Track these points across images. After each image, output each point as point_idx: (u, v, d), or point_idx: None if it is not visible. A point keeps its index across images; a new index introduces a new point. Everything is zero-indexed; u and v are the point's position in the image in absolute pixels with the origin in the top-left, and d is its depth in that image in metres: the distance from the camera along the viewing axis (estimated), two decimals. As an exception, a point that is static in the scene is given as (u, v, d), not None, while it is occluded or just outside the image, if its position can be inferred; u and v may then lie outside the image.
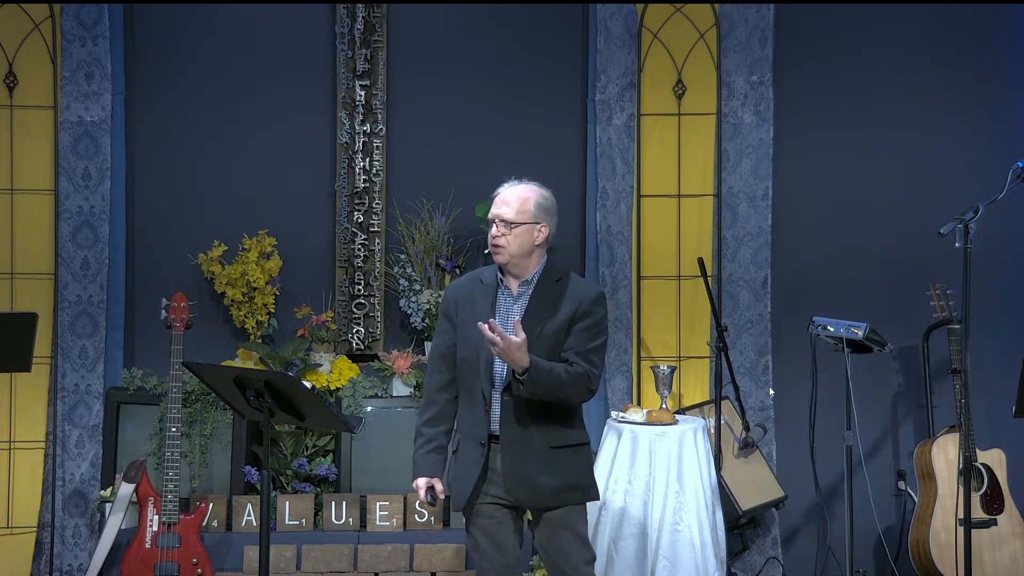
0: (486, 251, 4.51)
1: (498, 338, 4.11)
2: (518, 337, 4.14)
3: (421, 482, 4.42)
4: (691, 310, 6.44)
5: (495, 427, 4.34)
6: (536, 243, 4.39)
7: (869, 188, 6.56)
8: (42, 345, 6.12)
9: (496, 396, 4.34)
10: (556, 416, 4.35)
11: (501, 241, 4.37)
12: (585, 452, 4.44)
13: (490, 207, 4.45)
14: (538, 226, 4.40)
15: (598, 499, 4.60)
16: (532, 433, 4.31)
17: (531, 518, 4.50)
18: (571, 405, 4.39)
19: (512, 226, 4.35)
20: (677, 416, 5.84)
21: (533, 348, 4.22)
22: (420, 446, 4.46)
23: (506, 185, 4.48)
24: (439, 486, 4.42)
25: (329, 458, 6.21)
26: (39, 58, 6.34)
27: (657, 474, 5.51)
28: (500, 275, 4.43)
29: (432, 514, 6.10)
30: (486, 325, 4.15)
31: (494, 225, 4.38)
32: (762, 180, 6.44)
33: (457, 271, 6.43)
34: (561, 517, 4.39)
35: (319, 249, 6.58)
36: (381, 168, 6.56)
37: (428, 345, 6.38)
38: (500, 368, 4.33)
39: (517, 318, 4.27)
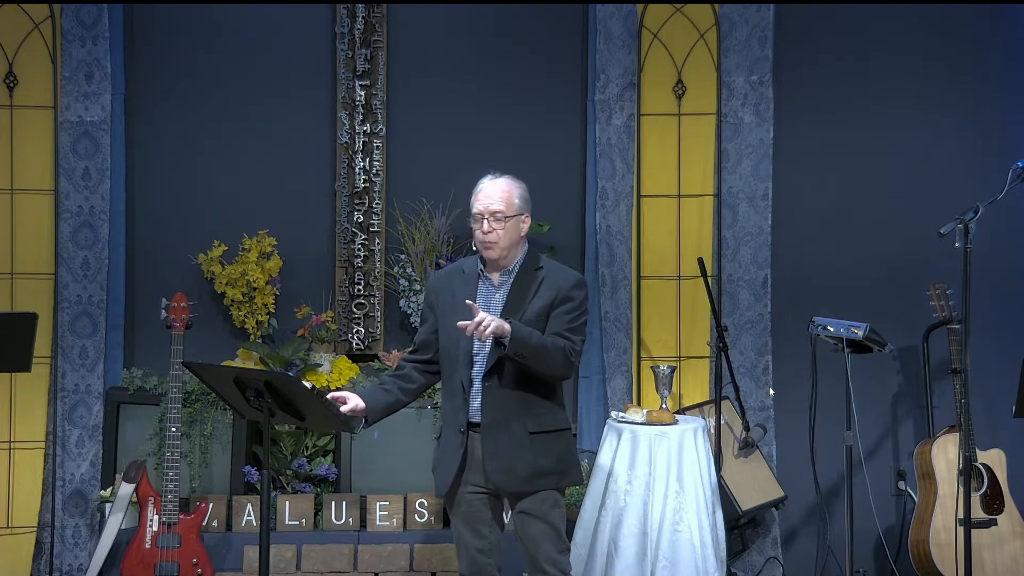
0: (474, 248, 4.53)
1: (478, 316, 4.20)
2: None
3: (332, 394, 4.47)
4: (691, 310, 6.45)
5: (474, 415, 4.43)
6: (521, 234, 4.50)
7: (869, 188, 6.56)
8: (42, 345, 6.13)
9: (476, 385, 4.42)
10: (536, 403, 4.43)
11: (493, 236, 4.43)
12: (565, 437, 4.52)
13: (476, 203, 4.50)
14: (522, 217, 4.51)
15: (580, 483, 4.67)
16: (511, 419, 4.40)
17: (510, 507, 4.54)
18: (554, 380, 4.45)
19: (505, 219, 4.40)
20: (677, 416, 5.84)
21: None
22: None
23: (486, 180, 4.54)
24: (352, 403, 4.42)
25: (329, 458, 6.21)
26: (39, 58, 6.35)
27: (657, 474, 5.51)
28: (481, 266, 4.48)
29: (432, 514, 6.10)
30: (470, 302, 4.25)
31: (484, 221, 4.42)
32: (762, 180, 6.45)
33: (457, 271, 6.43)
34: (534, 507, 4.45)
35: (319, 249, 6.58)
36: (381, 168, 6.56)
37: (428, 345, 6.40)
38: (480, 356, 4.41)
39: (469, 300, 4.34)
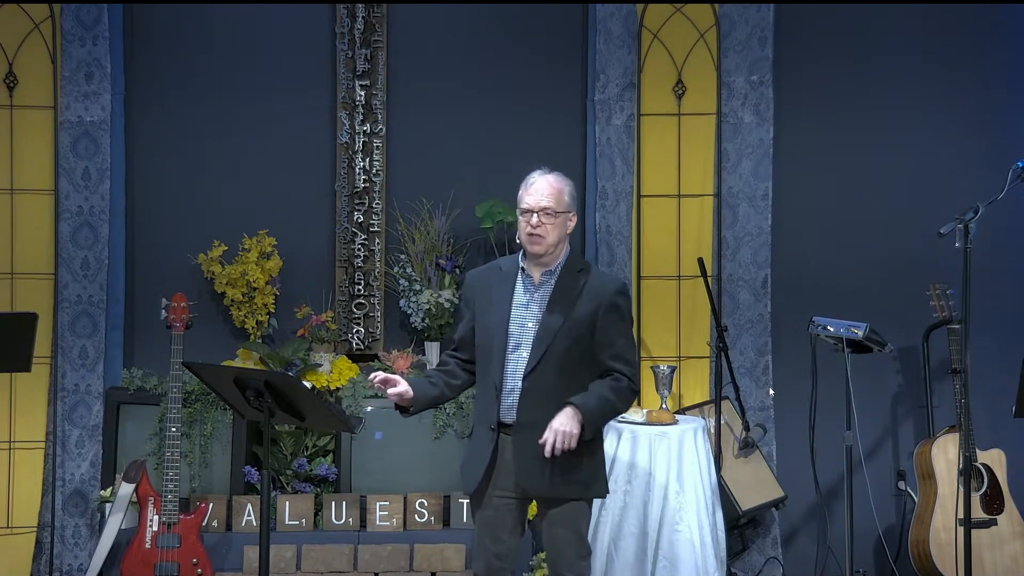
0: (518, 240, 4.50)
1: (553, 439, 4.25)
2: (557, 429, 4.27)
3: (375, 374, 4.44)
4: (691, 310, 6.45)
5: (506, 415, 4.38)
6: (567, 232, 4.47)
7: (869, 188, 6.56)
8: (42, 345, 6.13)
9: (510, 383, 4.37)
10: (560, 404, 4.37)
11: (542, 231, 4.38)
12: (595, 447, 4.46)
13: (526, 197, 4.44)
14: (570, 215, 4.47)
15: (604, 496, 4.62)
16: (545, 423, 4.32)
17: (534, 512, 4.52)
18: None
19: (556, 215, 4.37)
20: (677, 416, 5.84)
21: (556, 339, 4.32)
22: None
23: (536, 175, 4.48)
24: (402, 388, 4.41)
25: (329, 458, 6.21)
26: (39, 58, 6.35)
27: (657, 474, 5.51)
28: (523, 263, 4.44)
29: (432, 514, 6.10)
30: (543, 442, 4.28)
31: (534, 215, 4.38)
32: (762, 180, 6.45)
33: (457, 271, 6.43)
34: (562, 514, 4.42)
35: (319, 249, 6.58)
36: (381, 168, 6.56)
37: (428, 345, 6.40)
38: (516, 355, 4.36)
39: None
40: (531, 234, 4.40)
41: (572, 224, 4.48)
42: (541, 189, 4.44)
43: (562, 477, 4.37)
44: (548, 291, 4.41)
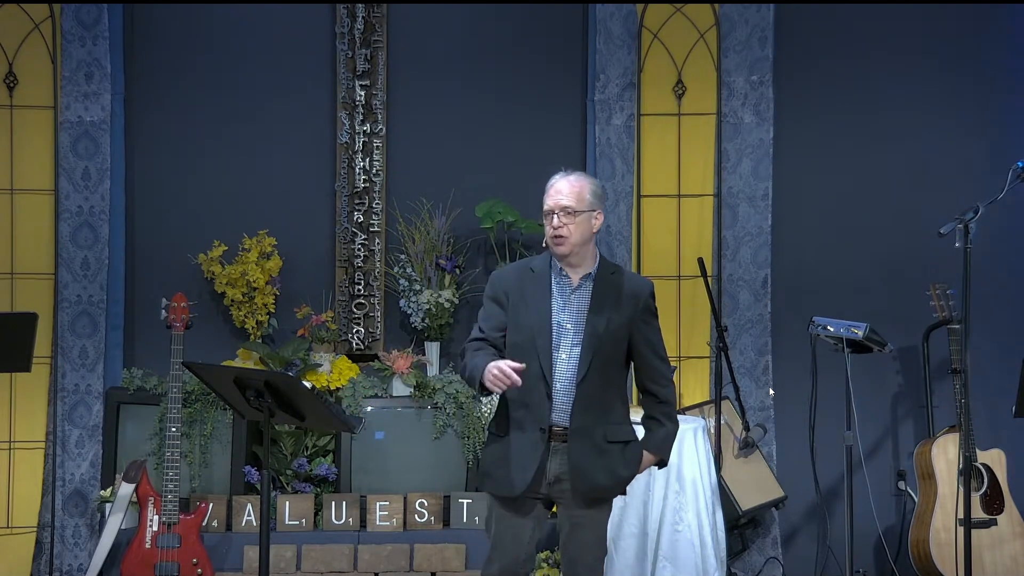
0: (544, 245, 4.48)
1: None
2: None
3: (499, 364, 4.18)
4: (691, 310, 6.44)
5: (557, 417, 4.33)
6: (593, 231, 4.40)
7: (869, 188, 6.56)
8: (42, 345, 6.13)
9: (563, 387, 4.32)
10: (615, 411, 4.39)
11: (564, 231, 4.33)
12: (633, 447, 4.44)
13: (547, 199, 4.39)
14: (594, 213, 4.41)
15: (624, 493, 4.63)
16: (595, 426, 4.33)
17: (555, 511, 4.50)
18: None
19: (575, 214, 4.35)
20: (677, 416, 5.83)
21: (602, 343, 4.31)
22: (474, 351, 4.32)
23: (557, 177, 4.44)
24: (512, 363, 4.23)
25: (329, 458, 6.21)
26: (39, 58, 6.35)
27: (657, 474, 5.51)
28: (557, 265, 4.42)
29: (432, 514, 6.10)
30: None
31: (554, 217, 4.34)
32: (762, 180, 6.45)
33: (457, 271, 6.43)
34: (591, 518, 4.41)
35: (319, 249, 6.58)
36: (381, 168, 6.56)
37: (428, 345, 6.40)
38: (566, 356, 4.32)
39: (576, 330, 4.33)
40: (554, 236, 4.36)
41: (598, 223, 4.42)
42: (560, 189, 4.39)
43: (615, 483, 4.38)
44: (587, 294, 4.38)
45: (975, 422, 5.86)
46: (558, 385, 4.33)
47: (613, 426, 4.36)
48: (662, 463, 4.48)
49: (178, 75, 6.54)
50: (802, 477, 6.19)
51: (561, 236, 4.34)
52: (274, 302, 6.41)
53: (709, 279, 6.11)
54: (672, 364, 5.96)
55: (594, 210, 4.40)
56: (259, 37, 6.57)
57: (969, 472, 4.97)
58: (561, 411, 4.33)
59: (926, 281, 6.21)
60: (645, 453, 4.42)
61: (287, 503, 6.08)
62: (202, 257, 6.40)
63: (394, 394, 6.30)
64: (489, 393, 4.27)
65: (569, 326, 4.34)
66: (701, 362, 6.44)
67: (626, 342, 4.40)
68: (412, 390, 6.24)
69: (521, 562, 4.43)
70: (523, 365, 4.19)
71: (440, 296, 6.34)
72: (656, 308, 4.49)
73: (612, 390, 4.38)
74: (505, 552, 4.42)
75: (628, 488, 5.31)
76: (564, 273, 4.39)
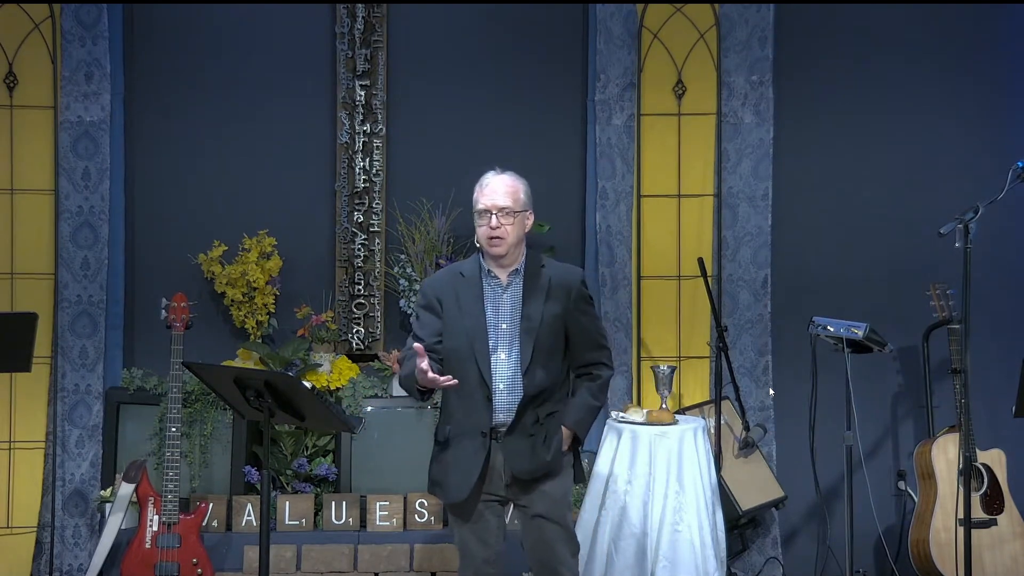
0: (477, 244, 4.49)
1: None
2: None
3: (424, 364, 4.20)
4: (691, 310, 6.45)
5: (499, 417, 4.36)
6: (526, 231, 4.48)
7: (869, 188, 6.56)
8: (42, 345, 6.13)
9: (505, 386, 4.36)
10: (552, 400, 4.44)
11: (502, 232, 4.37)
12: (554, 429, 4.46)
13: (482, 198, 4.44)
14: (527, 213, 4.48)
15: (583, 482, 4.63)
16: (530, 418, 4.38)
17: (512, 512, 4.51)
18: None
19: (513, 215, 4.37)
20: (677, 416, 5.84)
21: (539, 336, 4.34)
22: (408, 357, 4.35)
23: (490, 175, 4.49)
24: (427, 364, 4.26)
25: (329, 458, 6.21)
26: (39, 58, 6.35)
27: (657, 474, 5.51)
28: (486, 266, 4.43)
29: (432, 514, 6.10)
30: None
31: (492, 217, 4.38)
32: (762, 180, 6.45)
33: (457, 271, 6.43)
34: (551, 510, 4.43)
35: (319, 249, 6.59)
36: (381, 168, 6.56)
37: (428, 345, 6.39)
38: (505, 356, 4.36)
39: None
40: (490, 237, 4.38)
41: (530, 223, 4.49)
42: (496, 189, 4.42)
43: (534, 461, 4.39)
44: (518, 291, 4.42)
45: (975, 422, 5.86)
46: (500, 386, 4.36)
47: (544, 407, 4.40)
48: (577, 439, 4.47)
49: (178, 75, 6.54)
50: (802, 477, 6.19)
51: (499, 237, 4.37)
52: (274, 302, 6.42)
53: (709, 279, 6.11)
54: (672, 364, 6.01)
55: (527, 210, 4.48)
56: (259, 37, 6.57)
57: (969, 472, 4.97)
58: (504, 411, 4.35)
59: (926, 281, 6.21)
60: (563, 428, 4.43)
61: (287, 503, 6.09)
62: (202, 257, 6.40)
63: (394, 394, 6.30)
64: (429, 395, 4.33)
65: (505, 325, 4.38)
66: (701, 362, 6.44)
67: (563, 332, 4.43)
68: (412, 390, 6.23)
69: (492, 562, 4.44)
70: (455, 382, 4.23)
71: (440, 296, 6.33)
72: (589, 294, 4.52)
73: (553, 381, 4.43)
74: (473, 557, 4.45)
75: (628, 488, 5.32)
76: (492, 274, 4.43)
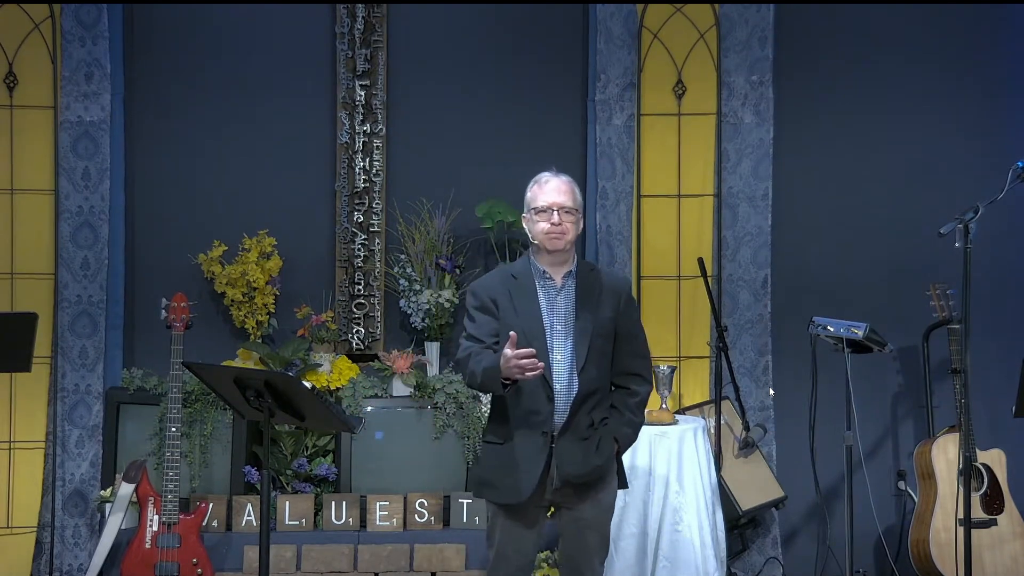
0: (533, 242, 4.48)
1: None
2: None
3: (510, 351, 4.14)
4: (691, 310, 6.45)
5: (558, 419, 4.34)
6: (579, 232, 4.51)
7: (869, 188, 6.56)
8: (42, 345, 6.13)
9: (561, 387, 4.34)
10: (603, 403, 4.45)
11: (563, 228, 4.40)
12: (606, 437, 4.46)
13: (542, 195, 4.43)
14: (581, 215, 4.53)
15: (626, 487, 4.63)
16: (584, 417, 4.38)
17: (553, 513, 4.49)
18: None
19: (573, 213, 4.42)
20: (677, 416, 5.84)
21: (593, 338, 4.36)
22: (477, 355, 4.30)
23: (549, 176, 4.51)
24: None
25: (329, 458, 6.21)
26: (39, 58, 6.35)
27: (657, 474, 5.51)
28: (539, 268, 4.43)
29: (432, 514, 6.09)
30: None
31: (555, 213, 4.40)
32: (762, 180, 6.45)
33: (457, 271, 6.43)
34: (596, 517, 4.45)
35: (319, 249, 6.59)
36: (381, 168, 6.56)
37: (428, 345, 6.40)
38: (561, 357, 4.36)
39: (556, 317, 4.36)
40: (550, 232, 4.40)
41: (581, 226, 4.54)
42: (559, 187, 4.47)
43: (586, 466, 4.38)
44: (571, 293, 4.42)
45: (975, 422, 5.87)
46: (558, 387, 4.34)
47: (597, 412, 4.41)
48: (619, 450, 4.53)
49: (178, 75, 6.54)
50: (802, 477, 6.19)
51: (561, 232, 4.39)
52: (274, 302, 6.42)
53: (709, 279, 6.11)
54: (672, 364, 6.01)
55: (582, 212, 4.53)
56: (259, 37, 6.57)
57: (969, 472, 4.96)
58: (561, 412, 4.34)
59: (926, 281, 6.21)
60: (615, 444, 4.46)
61: (287, 503, 6.09)
62: (202, 257, 6.40)
63: (394, 394, 6.30)
64: (511, 386, 4.25)
65: (560, 327, 4.37)
66: (701, 362, 6.44)
67: (612, 336, 4.44)
68: (412, 390, 6.24)
69: (525, 569, 4.44)
70: (532, 350, 4.18)
71: (440, 296, 6.34)
72: (636, 303, 4.61)
73: (604, 384, 4.44)
74: (508, 562, 4.43)
75: (628, 488, 5.31)
76: (547, 275, 4.42)
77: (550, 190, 4.45)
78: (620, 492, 5.51)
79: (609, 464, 4.45)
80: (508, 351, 4.15)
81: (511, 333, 4.21)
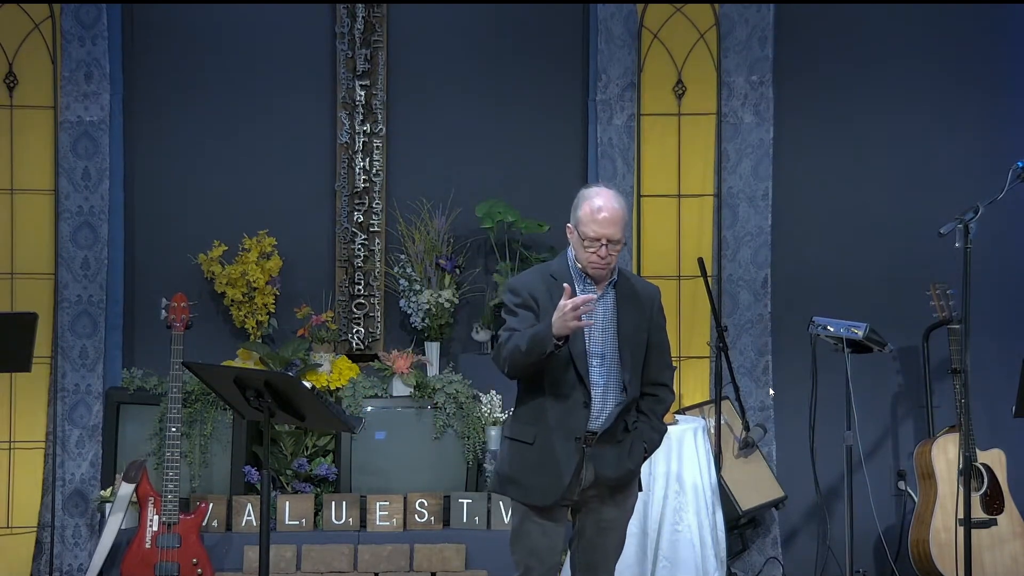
0: (577, 262, 4.35)
1: None
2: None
3: (566, 301, 4.11)
4: (691, 310, 6.45)
5: (594, 423, 4.32)
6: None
7: (869, 188, 6.56)
8: (42, 345, 6.12)
9: (597, 392, 4.32)
10: (634, 404, 4.42)
11: (610, 261, 4.33)
12: (637, 442, 4.45)
13: (595, 226, 4.28)
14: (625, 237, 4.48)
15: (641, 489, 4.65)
16: (620, 421, 4.36)
17: (574, 514, 4.49)
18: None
19: (622, 244, 4.36)
20: (677, 416, 5.84)
21: (633, 344, 4.34)
22: (519, 334, 4.26)
23: (600, 200, 4.33)
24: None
25: (329, 458, 6.21)
26: (39, 58, 6.35)
27: (657, 474, 5.51)
28: (579, 271, 4.40)
29: (432, 514, 6.09)
30: None
31: (603, 247, 4.29)
32: (762, 180, 6.45)
33: (457, 271, 6.43)
34: (619, 518, 4.44)
35: (319, 249, 6.58)
36: (381, 168, 6.56)
37: (428, 345, 6.40)
38: (598, 362, 4.33)
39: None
40: (598, 264, 4.31)
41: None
42: (612, 219, 4.31)
43: (619, 469, 4.37)
44: (611, 300, 4.39)
45: (975, 422, 5.86)
46: (594, 391, 4.32)
47: (631, 416, 4.40)
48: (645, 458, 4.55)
49: (178, 75, 6.54)
50: (802, 477, 6.19)
51: (606, 265, 4.32)
52: (274, 302, 6.42)
53: (709, 279, 6.10)
54: (672, 364, 6.00)
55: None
56: (259, 37, 6.56)
57: (969, 472, 4.96)
58: (595, 418, 4.33)
59: (926, 281, 6.21)
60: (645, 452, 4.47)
61: (287, 503, 6.08)
62: (202, 257, 6.39)
63: (394, 394, 6.30)
64: (563, 344, 4.19)
65: (597, 332, 4.34)
66: (701, 362, 6.44)
67: (645, 344, 4.42)
68: (412, 390, 6.24)
69: (553, 569, 4.43)
70: (591, 295, 4.18)
71: (440, 296, 6.34)
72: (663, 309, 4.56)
73: (639, 390, 4.42)
74: (542, 561, 4.39)
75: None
76: (589, 282, 4.37)
77: (604, 222, 4.29)
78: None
79: (638, 468, 4.47)
80: (564, 302, 4.10)
81: (564, 285, 4.17)
